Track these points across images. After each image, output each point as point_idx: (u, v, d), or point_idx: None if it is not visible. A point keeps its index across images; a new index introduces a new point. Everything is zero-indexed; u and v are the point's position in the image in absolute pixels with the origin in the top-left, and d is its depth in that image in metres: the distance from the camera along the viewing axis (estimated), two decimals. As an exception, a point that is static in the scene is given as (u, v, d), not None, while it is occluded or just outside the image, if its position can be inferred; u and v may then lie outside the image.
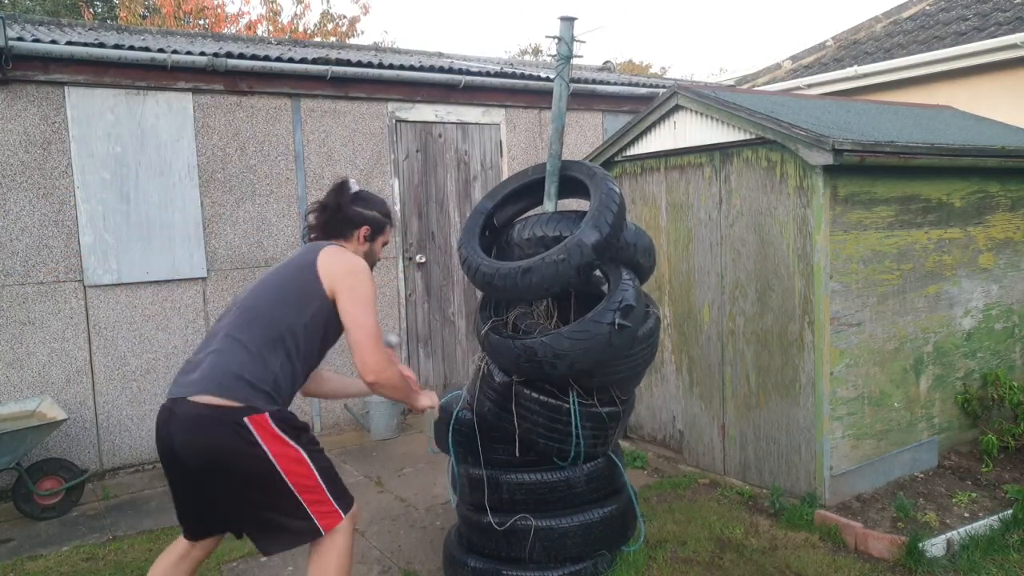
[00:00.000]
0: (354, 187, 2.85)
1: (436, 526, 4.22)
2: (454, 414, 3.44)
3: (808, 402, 4.11)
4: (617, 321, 3.02)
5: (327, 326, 2.62)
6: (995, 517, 3.83)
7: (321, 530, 2.52)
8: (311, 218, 2.85)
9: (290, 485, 2.45)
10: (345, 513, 2.58)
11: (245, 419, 2.39)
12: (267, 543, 2.58)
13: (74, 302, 5.19)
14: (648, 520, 4.00)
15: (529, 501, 3.31)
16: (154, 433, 2.57)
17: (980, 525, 3.76)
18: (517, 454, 3.32)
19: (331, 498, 2.54)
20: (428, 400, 2.95)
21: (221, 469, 2.41)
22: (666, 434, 5.09)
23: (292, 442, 2.46)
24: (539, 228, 3.30)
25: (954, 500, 4.11)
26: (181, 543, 2.68)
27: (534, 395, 3.21)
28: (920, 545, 3.51)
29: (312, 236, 2.84)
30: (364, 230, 2.80)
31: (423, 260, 6.57)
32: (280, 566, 3.77)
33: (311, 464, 2.50)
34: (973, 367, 4.82)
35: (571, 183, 3.46)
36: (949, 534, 3.66)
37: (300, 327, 2.55)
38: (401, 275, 6.46)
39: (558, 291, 3.15)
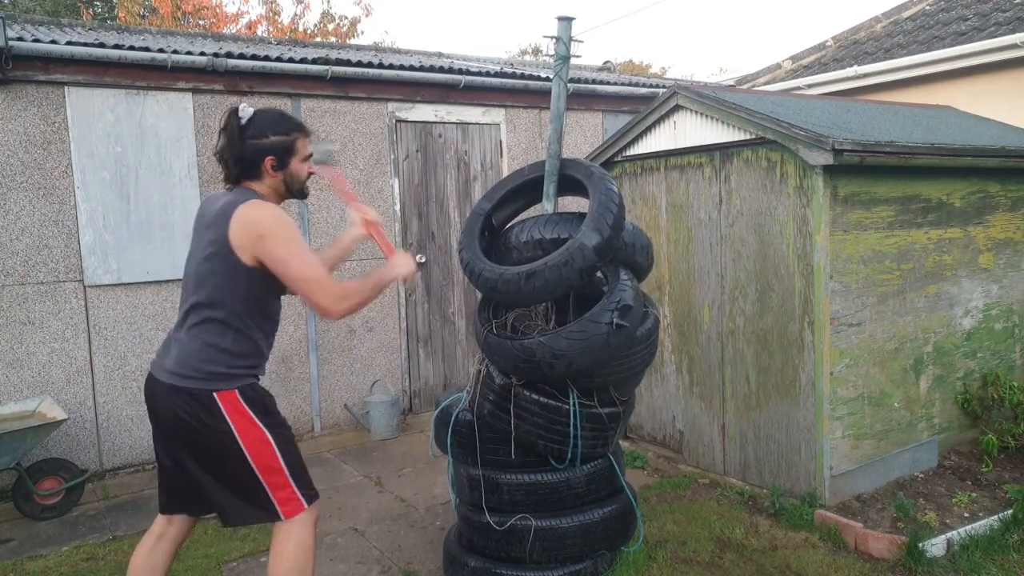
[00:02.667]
0: (244, 116, 2.55)
1: (436, 526, 4.22)
2: (454, 415, 3.44)
3: (808, 402, 4.11)
4: (615, 321, 3.01)
5: (264, 286, 2.55)
6: (995, 517, 3.83)
7: (281, 514, 2.53)
8: (222, 166, 2.62)
9: (252, 464, 2.48)
10: (308, 504, 2.58)
11: (215, 395, 2.46)
12: (228, 515, 2.59)
13: (74, 302, 5.19)
14: (648, 520, 4.00)
15: (529, 502, 3.30)
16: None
17: (980, 525, 3.76)
18: (513, 456, 3.31)
19: (293, 484, 2.54)
20: (405, 266, 2.72)
21: (191, 437, 2.49)
22: (666, 434, 5.09)
23: (259, 421, 2.50)
24: (537, 231, 3.28)
25: (954, 500, 4.11)
26: (159, 522, 2.74)
27: (534, 396, 3.21)
28: (920, 545, 3.51)
29: (227, 186, 2.68)
30: (269, 161, 2.56)
31: (423, 260, 6.57)
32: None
33: (274, 445, 2.51)
34: (973, 367, 4.82)
35: (569, 181, 3.45)
36: (949, 534, 3.66)
37: (239, 304, 2.52)
38: (401, 275, 6.45)
39: (561, 294, 3.15)
